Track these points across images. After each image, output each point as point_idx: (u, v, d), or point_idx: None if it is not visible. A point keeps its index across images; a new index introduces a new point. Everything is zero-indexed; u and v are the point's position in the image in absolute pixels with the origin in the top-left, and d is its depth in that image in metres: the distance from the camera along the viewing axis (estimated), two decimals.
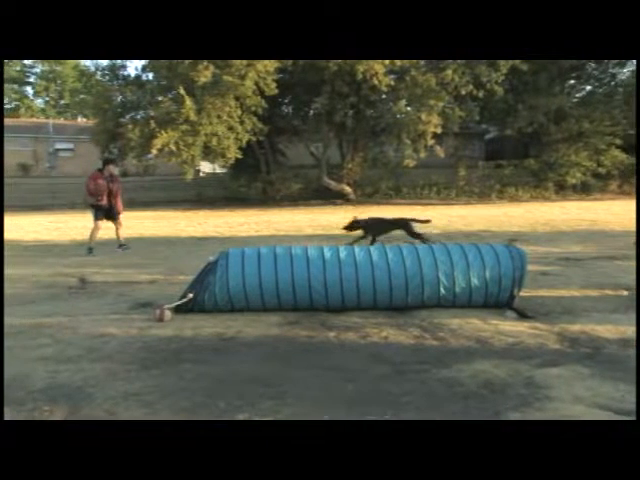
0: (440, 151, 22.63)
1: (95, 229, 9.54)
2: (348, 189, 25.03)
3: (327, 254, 4.65)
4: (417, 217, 8.62)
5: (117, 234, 9.79)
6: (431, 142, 21.88)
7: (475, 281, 4.55)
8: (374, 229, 8.36)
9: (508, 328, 4.06)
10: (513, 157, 26.90)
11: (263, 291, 4.54)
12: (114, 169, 9.73)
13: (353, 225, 8.38)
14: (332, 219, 15.61)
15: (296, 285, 4.52)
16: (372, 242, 7.99)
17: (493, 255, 4.65)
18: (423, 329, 4.10)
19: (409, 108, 22.08)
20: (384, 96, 23.09)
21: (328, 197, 24.44)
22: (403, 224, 8.32)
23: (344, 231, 8.48)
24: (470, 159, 27.62)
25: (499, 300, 4.60)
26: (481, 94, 22.00)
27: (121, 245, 9.70)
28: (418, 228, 8.25)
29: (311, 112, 24.60)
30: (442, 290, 4.54)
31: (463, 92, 22.06)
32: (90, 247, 9.24)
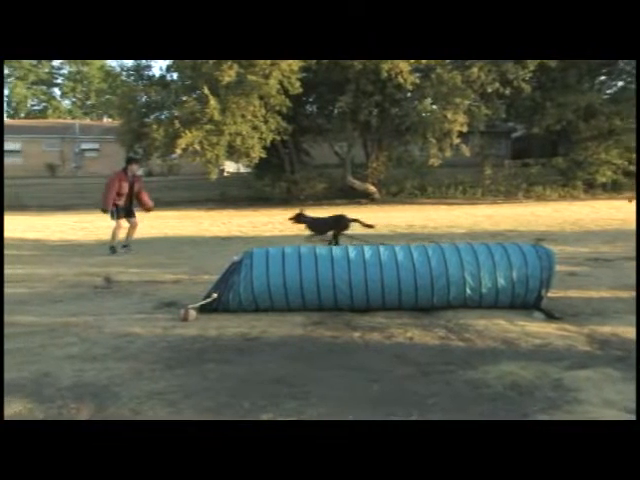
0: (466, 150, 22.47)
1: (117, 228, 9.59)
2: (372, 188, 24.97)
3: (352, 254, 4.64)
4: (362, 220, 8.46)
5: (128, 233, 9.79)
6: (457, 141, 21.72)
7: (502, 281, 4.51)
8: (317, 229, 8.43)
9: (535, 329, 4.02)
10: (540, 156, 26.60)
11: (287, 291, 4.55)
12: (137, 169, 9.80)
13: (299, 219, 8.48)
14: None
15: (320, 285, 4.52)
16: (335, 241, 8.00)
17: (520, 255, 4.60)
18: (449, 330, 4.07)
19: (434, 106, 21.95)
20: (409, 94, 22.99)
21: (352, 197, 24.41)
22: (343, 225, 8.33)
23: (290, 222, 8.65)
24: (496, 158, 27.40)
25: (526, 301, 4.55)
26: (508, 92, 21.78)
27: (125, 246, 9.71)
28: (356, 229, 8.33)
29: (335, 111, 24.55)
30: (468, 290, 4.51)
31: (489, 90, 21.87)
32: (113, 246, 9.33)
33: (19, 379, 3.13)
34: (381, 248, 4.76)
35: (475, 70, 21.21)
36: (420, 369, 3.25)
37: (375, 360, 3.44)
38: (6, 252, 8.68)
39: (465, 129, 21.77)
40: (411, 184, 25.69)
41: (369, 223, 8.41)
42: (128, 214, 9.71)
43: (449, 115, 21.04)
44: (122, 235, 9.69)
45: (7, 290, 6.00)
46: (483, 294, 4.53)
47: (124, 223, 9.71)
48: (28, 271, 7.49)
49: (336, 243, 7.86)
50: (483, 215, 15.93)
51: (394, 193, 25.77)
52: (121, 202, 9.46)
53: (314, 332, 4.09)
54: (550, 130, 24.35)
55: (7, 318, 4.63)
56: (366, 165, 25.71)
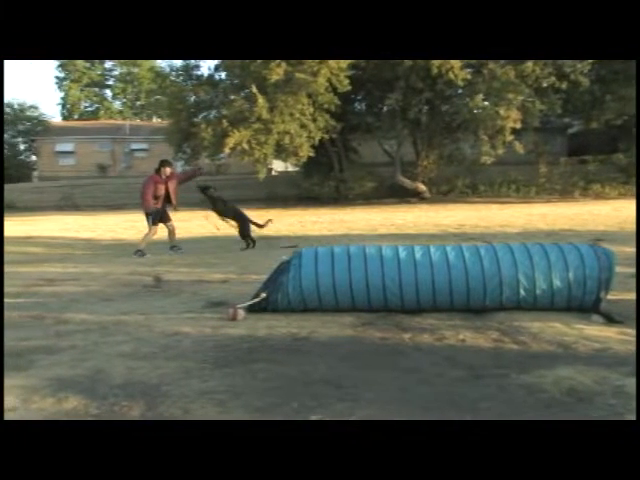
0: (519, 147, 22.00)
1: (150, 234, 9.61)
2: (423, 187, 24.75)
3: (402, 254, 4.62)
4: (257, 221, 9.71)
5: (170, 238, 9.85)
6: (510, 138, 21.30)
7: (557, 283, 4.41)
8: (221, 209, 9.48)
9: (594, 333, 3.91)
10: (599, 152, 25.83)
11: (336, 291, 4.56)
12: (169, 171, 9.74)
13: (206, 191, 9.48)
14: (407, 218, 15.50)
15: (370, 285, 4.51)
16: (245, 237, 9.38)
17: (577, 255, 4.49)
18: (502, 332, 4.01)
19: (486, 103, 21.57)
20: (460, 91, 22.65)
21: (402, 195, 24.26)
22: (240, 221, 9.51)
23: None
24: (551, 155, 26.74)
25: (584, 303, 4.44)
26: (564, 86, 21.23)
27: (174, 247, 9.78)
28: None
29: (385, 108, 24.41)
30: (522, 292, 4.43)
31: (545, 84, 21.37)
32: (140, 250, 9.31)
33: (74, 376, 3.23)
34: (432, 248, 4.72)
35: (530, 64, 20.75)
36: (472, 372, 3.21)
37: (426, 362, 3.41)
38: (60, 251, 8.97)
39: (518, 125, 21.31)
40: (462, 183, 25.35)
41: (263, 223, 9.59)
42: (163, 219, 9.77)
43: (502, 111, 20.65)
44: (150, 239, 9.71)
45: (61, 288, 6.22)
46: (537, 295, 4.44)
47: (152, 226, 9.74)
48: (80, 270, 7.71)
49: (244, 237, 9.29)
50: (537, 214, 15.60)
51: (445, 192, 25.49)
52: (158, 205, 9.59)
53: (364, 333, 4.09)
54: (610, 125, 23.62)
55: (61, 316, 4.79)
56: (416, 163, 25.50)
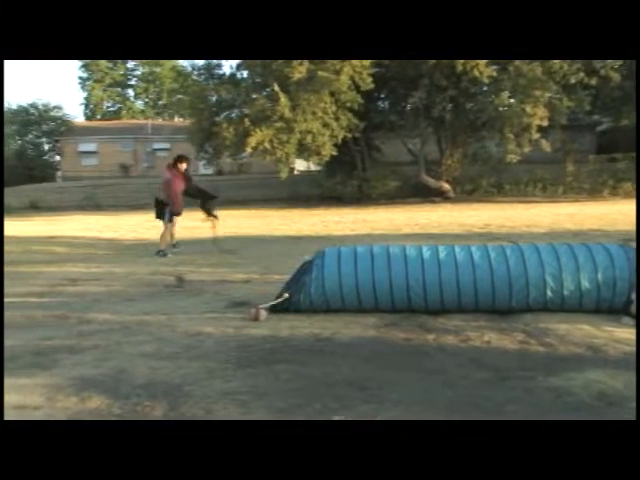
0: (546, 145, 21.74)
1: (168, 232, 9.48)
2: (447, 186, 24.59)
3: (426, 253, 4.60)
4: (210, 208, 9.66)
5: (172, 234, 9.72)
6: (536, 136, 21.05)
7: (586, 284, 4.36)
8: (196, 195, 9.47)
9: (625, 336, 3.86)
10: (629, 150, 25.44)
11: (359, 291, 4.56)
12: (185, 166, 9.54)
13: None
14: (431, 217, 15.43)
15: (394, 285, 4.50)
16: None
17: (606, 256, 4.43)
18: (528, 334, 3.98)
19: (512, 100, 21.37)
20: (485, 88, 22.47)
21: (426, 195, 24.12)
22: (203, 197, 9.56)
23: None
24: (579, 153, 26.36)
25: (613, 305, 4.38)
26: (594, 82, 20.94)
27: (175, 245, 9.70)
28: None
29: (408, 107, 24.28)
30: (549, 292, 4.38)
31: (573, 80, 21.08)
32: (162, 250, 9.22)
33: (97, 375, 3.28)
34: (457, 248, 4.70)
35: (557, 60, 20.51)
36: (498, 374, 3.19)
37: (450, 364, 3.40)
38: (82, 251, 9.09)
39: (545, 123, 21.04)
40: (487, 182, 25.13)
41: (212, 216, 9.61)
42: (175, 214, 9.65)
43: (528, 109, 20.42)
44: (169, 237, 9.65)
45: (84, 288, 6.30)
46: (565, 297, 4.39)
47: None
48: (103, 270, 7.80)
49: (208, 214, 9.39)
50: (565, 214, 15.42)
51: (469, 191, 25.29)
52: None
53: (387, 334, 4.08)
54: None
55: (84, 315, 4.86)
56: (440, 162, 25.34)
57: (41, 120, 49.16)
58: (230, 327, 4.34)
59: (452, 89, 21.76)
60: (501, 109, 21.34)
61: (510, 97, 21.42)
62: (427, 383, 3.08)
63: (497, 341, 3.84)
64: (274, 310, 4.67)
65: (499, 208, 18.73)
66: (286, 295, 4.68)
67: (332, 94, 21.16)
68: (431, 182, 24.61)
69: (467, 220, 14.23)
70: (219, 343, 3.94)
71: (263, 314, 4.55)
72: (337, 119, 21.73)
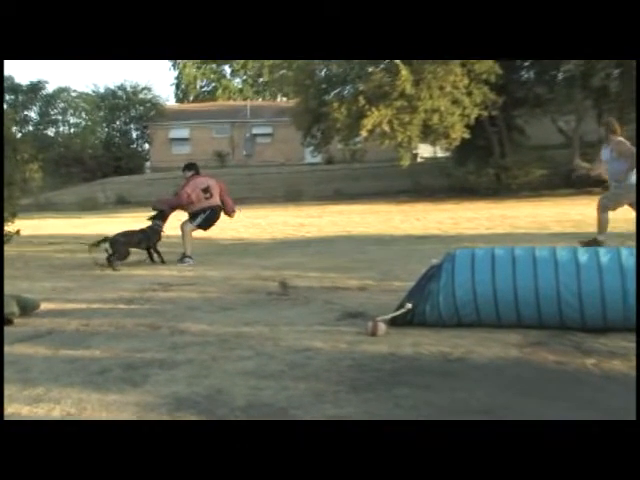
0: None
1: (189, 236, 9.68)
2: None
3: (582, 257, 4.45)
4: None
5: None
6: None
7: None
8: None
9: None
10: None
11: (498, 302, 4.48)
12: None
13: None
14: (587, 213, 14.86)
15: (541, 296, 4.40)
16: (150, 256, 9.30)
17: None
18: None
19: None
20: None
21: (581, 185, 23.22)
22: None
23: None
24: None
25: None
26: None
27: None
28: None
29: (560, 76, 23.53)
30: None
31: None
32: (189, 255, 9.38)
33: (191, 394, 3.41)
34: (624, 250, 4.51)
35: None
36: None
37: (615, 396, 3.27)
38: (174, 251, 9.47)
39: None
40: None
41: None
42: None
43: None
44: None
45: (176, 294, 6.58)
46: None
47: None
48: (197, 273, 8.10)
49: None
50: None
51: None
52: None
53: (533, 355, 3.99)
54: None
55: (177, 325, 5.07)
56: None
57: (129, 104, 51.42)
58: (343, 342, 4.38)
59: None
60: None
61: None
62: (583, 417, 2.97)
63: None
64: (394, 323, 4.67)
65: None
66: (409, 306, 4.67)
67: (463, 64, 20.85)
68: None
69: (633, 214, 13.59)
70: (330, 361, 3.99)
71: (382, 328, 4.55)
72: (470, 94, 21.41)
